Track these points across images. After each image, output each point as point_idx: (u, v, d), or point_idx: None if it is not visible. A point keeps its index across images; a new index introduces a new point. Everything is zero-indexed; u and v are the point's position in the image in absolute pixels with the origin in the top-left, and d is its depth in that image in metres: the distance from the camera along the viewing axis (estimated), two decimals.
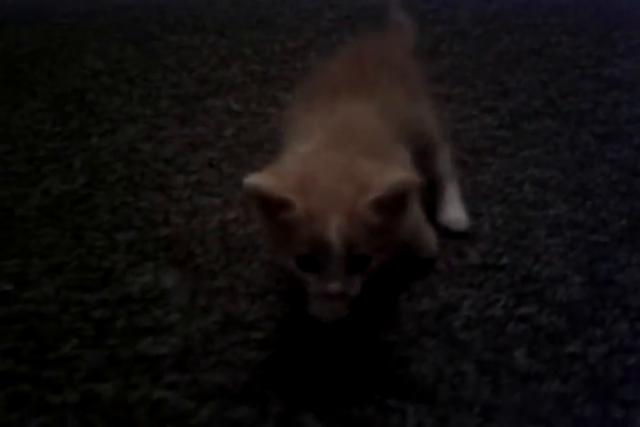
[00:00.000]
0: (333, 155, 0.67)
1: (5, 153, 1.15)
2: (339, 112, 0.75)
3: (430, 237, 0.80)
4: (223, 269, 0.85)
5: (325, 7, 1.73)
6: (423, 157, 0.82)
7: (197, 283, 0.83)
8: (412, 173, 0.65)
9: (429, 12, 1.64)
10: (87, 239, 0.93)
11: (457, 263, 0.81)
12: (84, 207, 1.00)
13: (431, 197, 0.87)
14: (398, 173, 0.63)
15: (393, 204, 0.62)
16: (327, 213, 0.61)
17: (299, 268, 0.65)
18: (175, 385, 0.70)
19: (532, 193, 0.92)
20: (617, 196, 0.90)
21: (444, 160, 0.90)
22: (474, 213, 0.88)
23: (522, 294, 0.76)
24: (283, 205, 0.62)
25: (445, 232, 0.84)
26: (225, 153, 1.11)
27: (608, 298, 0.74)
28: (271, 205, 0.63)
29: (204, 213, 0.96)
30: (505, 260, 0.81)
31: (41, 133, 1.22)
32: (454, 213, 0.85)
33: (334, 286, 0.62)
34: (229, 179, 1.04)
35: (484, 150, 1.03)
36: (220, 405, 0.67)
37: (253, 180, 0.63)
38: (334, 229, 0.61)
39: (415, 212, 0.73)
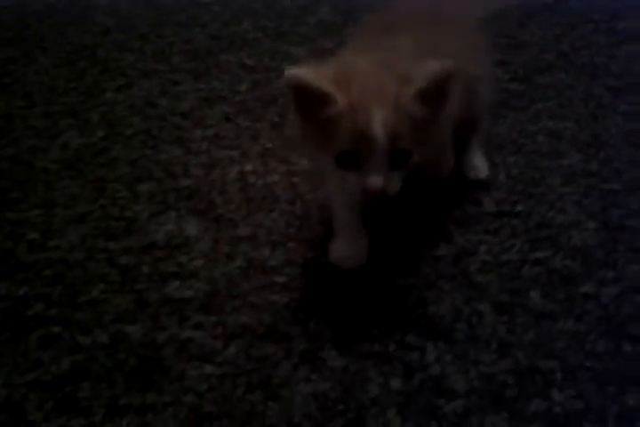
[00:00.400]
0: (371, 54, 0.66)
1: (22, 108, 1.16)
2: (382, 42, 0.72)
3: (450, 156, 0.79)
4: (244, 219, 0.87)
5: None
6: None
7: (219, 231, 0.85)
8: (452, 62, 0.62)
9: None
10: (109, 190, 0.95)
11: (473, 211, 0.83)
12: (103, 160, 1.02)
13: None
14: (438, 62, 0.62)
15: (435, 94, 0.62)
16: (371, 107, 0.60)
17: (338, 166, 0.63)
18: (201, 326, 0.73)
19: (546, 144, 0.94)
20: (630, 146, 0.92)
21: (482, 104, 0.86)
22: (489, 163, 0.89)
23: (536, 239, 0.78)
24: (323, 99, 0.61)
25: (462, 180, 0.86)
26: (240, 107, 1.11)
27: (620, 242, 0.76)
28: (311, 100, 0.62)
29: (222, 165, 0.98)
30: (520, 207, 0.83)
31: (56, 89, 1.22)
32: (476, 161, 0.87)
33: (376, 181, 0.61)
34: (246, 132, 1.05)
35: (498, 103, 1.03)
36: (246, 343, 0.70)
37: (295, 72, 0.61)
38: (379, 122, 0.59)
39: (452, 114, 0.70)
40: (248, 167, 0.97)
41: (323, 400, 0.63)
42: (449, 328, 0.68)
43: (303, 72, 0.61)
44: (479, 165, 0.87)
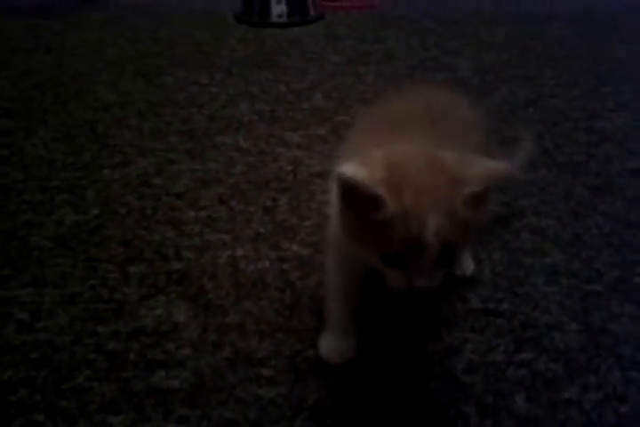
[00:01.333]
0: (415, 145, 0.64)
1: (19, 181, 1.18)
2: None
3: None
4: (233, 306, 0.88)
5: (329, 50, 1.80)
6: None
7: (208, 318, 0.86)
8: (501, 162, 0.61)
9: (428, 60, 1.72)
10: (100, 271, 0.96)
11: (459, 308, 0.85)
12: (97, 239, 1.03)
13: None
14: (487, 162, 0.61)
15: (484, 197, 0.61)
16: (424, 213, 0.58)
17: (383, 264, 0.62)
18: (186, 419, 0.72)
19: (530, 241, 0.97)
20: (610, 247, 0.95)
21: None
22: (475, 259, 0.92)
23: (521, 339, 0.80)
24: (375, 201, 0.59)
25: (450, 277, 0.88)
26: (234, 190, 1.15)
27: (602, 347, 0.78)
28: (362, 200, 0.60)
29: (214, 249, 0.99)
30: (505, 306, 0.85)
31: (54, 164, 1.25)
32: (462, 258, 0.89)
33: (422, 281, 0.61)
34: (239, 215, 1.07)
35: None
36: None
37: (348, 171, 0.60)
38: (432, 230, 0.58)
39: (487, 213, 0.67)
40: (239, 252, 0.99)
41: None
42: None
43: (355, 172, 0.60)
44: (465, 262, 0.90)
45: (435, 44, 1.83)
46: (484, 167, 0.60)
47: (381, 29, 1.96)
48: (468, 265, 0.89)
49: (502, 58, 1.72)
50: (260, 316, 0.86)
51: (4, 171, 1.22)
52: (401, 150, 0.64)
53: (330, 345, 0.78)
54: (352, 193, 0.60)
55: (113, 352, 0.81)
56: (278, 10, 2.02)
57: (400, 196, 0.59)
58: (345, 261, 0.74)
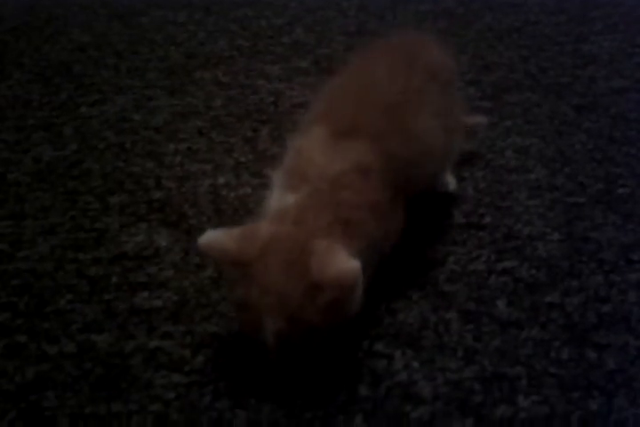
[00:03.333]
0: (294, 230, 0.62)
1: None
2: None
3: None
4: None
5: None
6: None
7: (190, 242, 0.85)
8: (354, 262, 0.59)
9: None
10: (80, 202, 0.95)
11: (442, 223, 0.84)
12: (75, 172, 1.02)
13: None
14: (343, 264, 0.59)
15: (342, 301, 0.59)
16: (266, 314, 0.59)
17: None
18: (170, 335, 0.72)
19: (514, 159, 0.96)
20: (594, 162, 0.94)
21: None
22: (458, 177, 0.91)
23: (503, 250, 0.79)
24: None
25: (432, 193, 0.87)
26: (214, 122, 1.12)
27: (584, 253, 0.78)
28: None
29: (195, 178, 0.98)
30: (487, 219, 0.85)
31: (29, 104, 1.22)
32: (444, 175, 0.88)
33: (278, 362, 0.63)
34: (219, 146, 1.06)
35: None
36: (215, 352, 0.69)
37: (206, 239, 0.63)
38: (271, 332, 0.60)
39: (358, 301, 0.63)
40: (220, 180, 0.97)
41: (290, 408, 0.63)
42: (416, 336, 0.69)
43: (216, 244, 0.63)
44: (447, 179, 0.89)
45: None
46: (338, 271, 0.58)
47: None
48: (449, 181, 0.88)
49: None
50: None
51: None
52: (279, 233, 0.62)
53: None
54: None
55: (94, 277, 0.81)
56: None
57: (248, 281, 0.60)
58: None
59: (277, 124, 1.11)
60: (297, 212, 0.63)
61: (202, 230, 0.85)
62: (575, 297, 0.72)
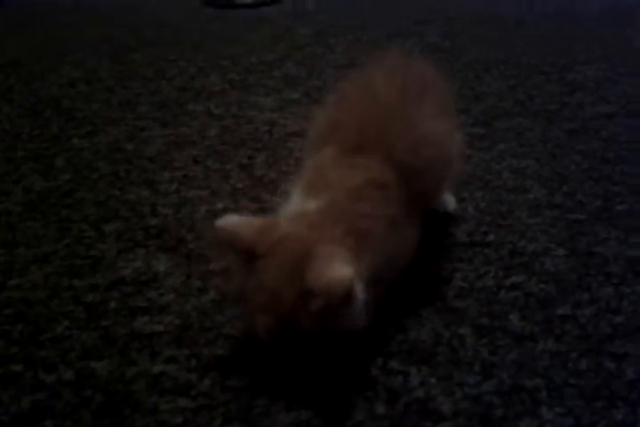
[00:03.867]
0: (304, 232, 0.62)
1: None
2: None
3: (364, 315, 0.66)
4: (217, 254, 0.85)
5: (298, 24, 1.79)
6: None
7: (191, 266, 0.83)
8: (348, 271, 0.57)
9: (399, 29, 1.71)
10: (74, 230, 0.92)
11: (445, 242, 0.84)
12: (68, 201, 1.00)
13: None
14: (335, 271, 0.57)
15: (336, 307, 0.58)
16: (259, 313, 0.60)
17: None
18: (174, 359, 0.69)
19: (511, 180, 0.96)
20: (590, 180, 0.95)
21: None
22: (457, 198, 0.91)
23: (510, 266, 0.79)
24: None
25: (433, 214, 0.87)
26: (209, 151, 1.12)
27: (591, 267, 0.78)
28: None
29: (192, 205, 0.97)
30: (491, 237, 0.84)
31: (19, 136, 1.21)
32: (444, 195, 0.87)
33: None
34: (215, 173, 1.05)
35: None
36: (222, 375, 0.66)
37: (225, 222, 0.64)
38: (262, 330, 0.61)
39: (358, 311, 0.61)
40: (219, 206, 0.96)
41: None
42: (431, 352, 0.67)
43: (232, 229, 0.63)
44: (447, 198, 0.89)
45: (405, 15, 1.83)
46: (329, 278, 0.56)
47: (350, 4, 1.96)
48: (449, 200, 0.88)
49: (472, 22, 1.72)
50: None
51: None
52: (285, 224, 0.63)
53: None
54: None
55: (91, 303, 0.78)
56: None
57: (250, 274, 0.61)
58: None
59: (272, 151, 1.11)
60: (315, 217, 0.63)
61: (201, 256, 0.86)
62: (587, 309, 0.71)
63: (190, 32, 1.78)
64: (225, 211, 0.94)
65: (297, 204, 0.67)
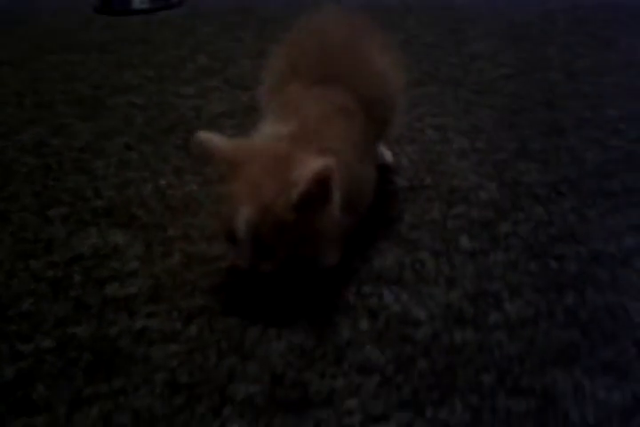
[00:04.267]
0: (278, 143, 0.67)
1: None
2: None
3: (337, 249, 0.75)
4: (172, 223, 0.87)
5: (200, 24, 1.82)
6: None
7: (149, 236, 0.84)
8: (330, 163, 0.61)
9: None
10: (15, 219, 0.90)
11: (389, 188, 0.90)
12: (3, 195, 0.97)
13: None
14: (314, 163, 0.61)
15: (312, 199, 0.62)
16: (242, 202, 0.63)
17: (224, 238, 0.68)
18: (154, 314, 0.70)
19: (435, 135, 1.05)
20: (503, 129, 1.05)
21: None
22: (391, 152, 0.98)
23: (450, 201, 0.86)
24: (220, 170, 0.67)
25: None
26: (141, 137, 1.13)
27: (520, 193, 0.86)
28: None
29: (135, 184, 0.97)
30: (428, 181, 0.91)
31: None
32: (381, 149, 0.94)
33: (242, 264, 0.67)
34: (152, 156, 1.06)
35: None
36: (207, 320, 0.69)
37: (203, 134, 0.67)
38: (242, 221, 0.63)
39: (335, 215, 0.66)
40: (162, 182, 0.97)
41: (300, 351, 0.63)
42: (398, 275, 0.73)
43: (210, 139, 0.67)
44: (384, 152, 0.96)
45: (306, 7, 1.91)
46: (308, 168, 0.61)
47: (250, 3, 2.01)
48: (386, 153, 0.95)
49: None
50: (201, 226, 0.85)
51: None
52: (262, 141, 0.69)
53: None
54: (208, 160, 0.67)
55: (54, 279, 0.77)
56: None
57: (234, 179, 0.64)
58: None
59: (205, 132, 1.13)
60: (289, 138, 0.67)
61: (158, 226, 0.87)
62: (524, 225, 0.80)
63: (90, 37, 1.76)
64: (171, 186, 0.96)
65: (269, 127, 0.72)
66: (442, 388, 0.58)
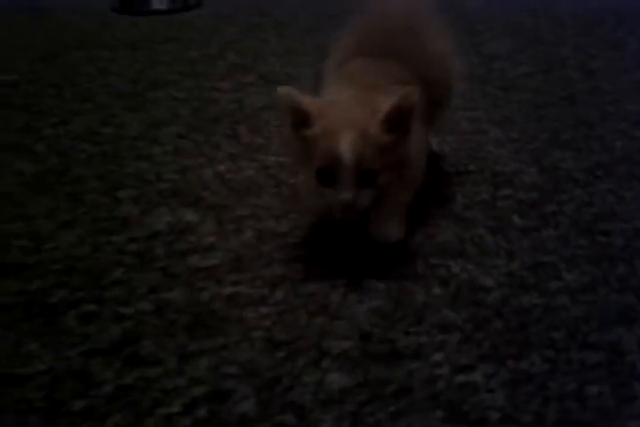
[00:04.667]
0: (356, 90, 0.77)
1: None
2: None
3: (422, 170, 0.83)
4: (238, 203, 0.93)
5: (223, 24, 1.88)
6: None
7: (219, 214, 0.90)
8: (414, 92, 0.71)
9: (319, 23, 1.86)
10: (86, 200, 0.96)
11: (437, 173, 0.97)
12: (67, 179, 1.02)
13: None
14: (401, 93, 0.71)
15: (398, 121, 0.71)
16: (340, 131, 0.70)
17: (318, 181, 0.73)
18: (240, 282, 0.76)
19: (470, 126, 1.12)
20: (533, 121, 1.14)
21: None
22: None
23: (496, 183, 0.94)
24: (305, 120, 0.73)
25: None
26: (190, 127, 1.18)
27: (560, 178, 0.94)
28: (297, 120, 0.74)
29: (194, 169, 1.03)
30: (472, 167, 0.99)
31: None
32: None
33: (346, 197, 0.71)
34: (204, 144, 1.12)
35: None
36: (291, 286, 0.75)
37: (287, 90, 0.73)
38: (346, 145, 0.70)
39: (418, 135, 0.78)
40: (221, 168, 1.03)
41: (381, 313, 0.70)
42: (460, 249, 0.80)
43: (293, 92, 0.73)
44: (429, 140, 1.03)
45: (319, 11, 1.98)
46: (394, 98, 0.71)
47: (263, 6, 2.08)
48: (431, 141, 1.03)
49: None
50: (266, 206, 0.92)
51: None
52: (341, 92, 0.78)
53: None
54: (291, 114, 0.73)
55: (137, 252, 0.83)
56: None
57: (324, 118, 0.72)
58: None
59: (250, 123, 1.19)
60: (355, 99, 0.75)
61: (225, 206, 0.93)
62: (568, 205, 0.88)
63: (115, 36, 1.81)
64: (230, 171, 1.02)
65: (332, 93, 0.81)
66: (518, 344, 0.65)
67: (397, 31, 0.86)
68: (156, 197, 0.96)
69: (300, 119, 0.73)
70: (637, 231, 0.81)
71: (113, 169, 1.05)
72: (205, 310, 0.72)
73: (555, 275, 0.74)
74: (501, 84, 1.31)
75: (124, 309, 0.73)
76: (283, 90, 0.73)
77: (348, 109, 0.73)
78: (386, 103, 0.71)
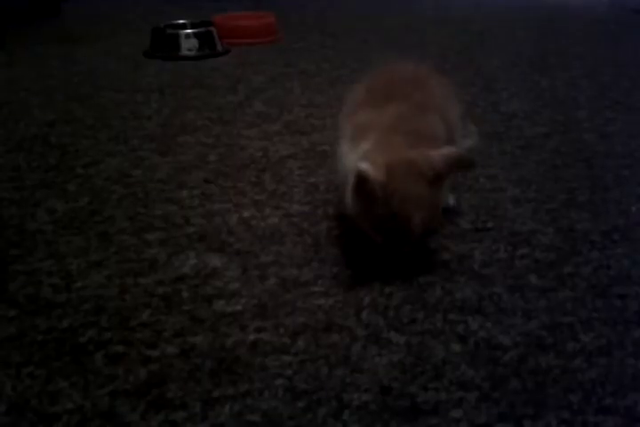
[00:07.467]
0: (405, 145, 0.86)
1: None
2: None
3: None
4: (262, 250, 0.96)
5: (249, 73, 1.96)
6: None
7: (243, 260, 0.93)
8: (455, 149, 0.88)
9: (341, 76, 1.93)
10: (116, 241, 0.99)
11: (455, 230, 1.00)
12: (98, 219, 1.06)
13: None
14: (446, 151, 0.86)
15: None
16: (412, 213, 0.82)
17: (377, 234, 0.86)
18: (264, 329, 0.79)
19: (488, 183, 1.16)
20: (550, 181, 1.17)
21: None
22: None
23: (514, 243, 0.96)
24: (379, 199, 0.81)
25: None
26: (216, 173, 1.23)
27: (577, 239, 0.97)
28: (371, 193, 0.82)
29: (221, 214, 1.07)
30: (490, 224, 1.02)
31: (18, 168, 1.26)
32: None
33: (408, 249, 0.87)
34: (230, 190, 1.16)
35: None
36: (311, 337, 0.77)
37: (368, 169, 0.80)
38: (418, 224, 0.83)
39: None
40: (246, 214, 1.07)
41: (401, 367, 0.72)
42: (478, 306, 0.82)
43: (373, 172, 0.80)
44: (447, 195, 1.06)
45: (341, 64, 2.05)
46: (443, 155, 0.85)
47: (289, 57, 2.16)
48: (449, 196, 1.06)
49: None
50: (289, 254, 0.95)
51: None
52: (394, 155, 0.85)
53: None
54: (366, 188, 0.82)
55: (164, 295, 0.86)
56: (188, 44, 2.16)
57: (396, 199, 0.82)
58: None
59: (275, 171, 1.24)
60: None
61: (250, 252, 0.96)
62: (585, 267, 0.90)
63: (147, 80, 1.89)
64: (254, 218, 1.06)
65: (351, 151, 0.91)
66: (535, 404, 0.66)
67: (402, 80, 0.99)
68: (183, 241, 0.99)
69: (371, 194, 0.82)
70: None
71: (141, 211, 1.08)
72: (229, 356, 0.74)
73: (571, 336, 0.76)
74: (519, 144, 1.35)
75: (151, 351, 0.75)
76: (364, 169, 0.81)
77: (412, 188, 0.83)
78: (441, 162, 0.84)
